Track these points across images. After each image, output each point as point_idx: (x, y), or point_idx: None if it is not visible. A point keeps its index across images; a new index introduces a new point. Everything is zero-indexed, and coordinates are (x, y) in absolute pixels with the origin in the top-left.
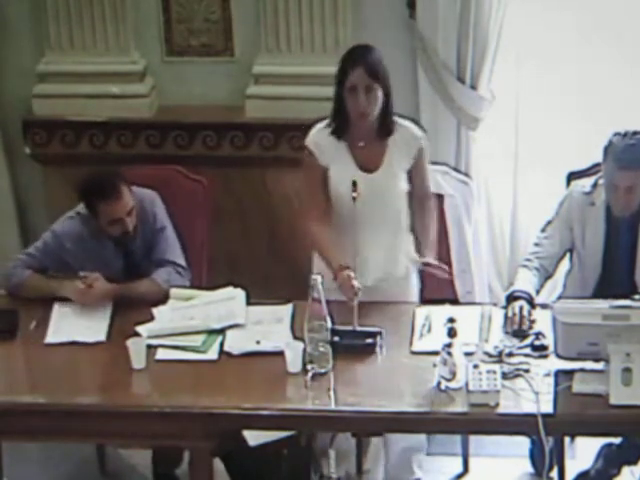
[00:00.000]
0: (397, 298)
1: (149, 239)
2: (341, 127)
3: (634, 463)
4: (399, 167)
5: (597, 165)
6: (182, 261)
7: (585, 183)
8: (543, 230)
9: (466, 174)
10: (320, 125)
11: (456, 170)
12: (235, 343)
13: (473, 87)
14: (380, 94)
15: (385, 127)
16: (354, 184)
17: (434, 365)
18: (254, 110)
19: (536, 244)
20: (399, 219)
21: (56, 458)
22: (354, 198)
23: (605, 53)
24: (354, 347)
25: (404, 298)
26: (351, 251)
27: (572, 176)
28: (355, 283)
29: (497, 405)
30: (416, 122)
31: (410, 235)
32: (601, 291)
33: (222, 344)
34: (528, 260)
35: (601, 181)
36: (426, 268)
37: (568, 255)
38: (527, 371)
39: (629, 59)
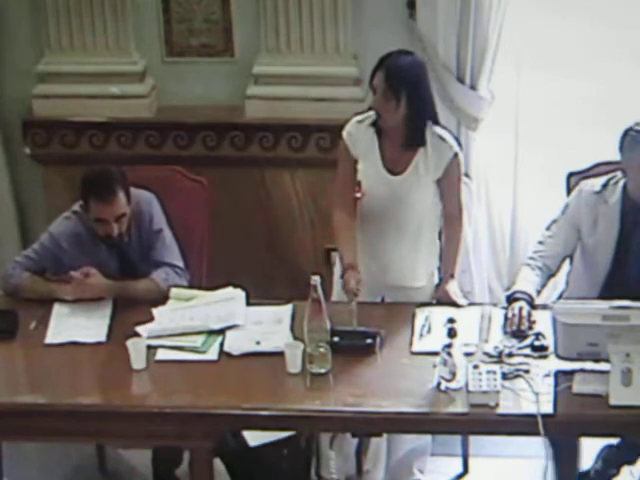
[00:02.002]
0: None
1: (145, 241)
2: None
3: (633, 463)
4: (426, 175)
5: (598, 165)
6: (180, 263)
7: (594, 183)
8: (548, 228)
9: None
10: (358, 117)
11: None
12: (235, 343)
13: (473, 87)
14: (400, 103)
15: (412, 138)
16: (358, 184)
17: (434, 365)
18: (254, 110)
19: (540, 242)
20: (420, 227)
21: (56, 458)
22: (358, 198)
23: (606, 53)
24: (354, 347)
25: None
26: (362, 246)
27: (572, 176)
28: (354, 285)
29: (497, 405)
30: (452, 132)
31: (435, 247)
32: (609, 290)
33: (222, 344)
34: (531, 259)
35: (613, 181)
36: (443, 296)
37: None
38: (527, 371)
39: (630, 58)
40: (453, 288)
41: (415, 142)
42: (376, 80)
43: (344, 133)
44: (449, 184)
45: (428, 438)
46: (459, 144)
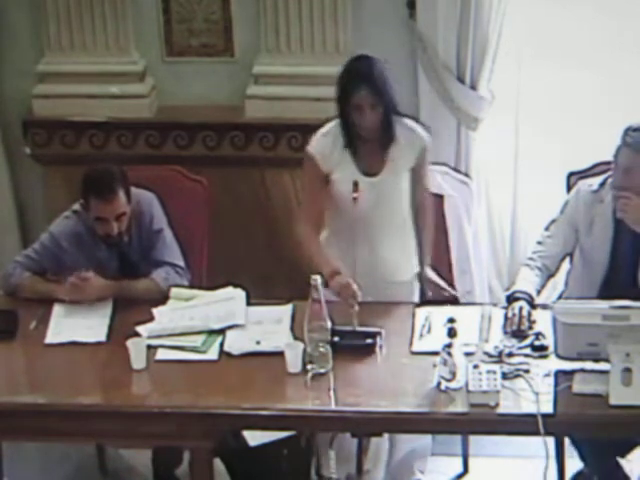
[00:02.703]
0: (401, 300)
1: (145, 241)
2: (349, 138)
3: (622, 456)
4: (402, 168)
5: (598, 165)
6: (181, 262)
7: (592, 182)
8: (547, 229)
9: (466, 174)
10: (323, 131)
11: (456, 170)
12: (235, 343)
13: (473, 87)
14: (382, 109)
15: (388, 135)
16: (355, 184)
17: (434, 365)
18: (254, 110)
19: (539, 243)
20: (404, 220)
21: (56, 458)
22: (354, 199)
23: (607, 52)
24: (354, 347)
25: (407, 300)
26: (350, 253)
27: (572, 176)
28: (355, 288)
29: (497, 405)
30: (420, 122)
31: (414, 239)
32: (607, 290)
33: (222, 344)
34: (531, 259)
35: (610, 180)
36: (428, 285)
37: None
38: (527, 371)
39: (632, 57)
40: (434, 276)
41: (390, 138)
42: (360, 99)
43: (311, 150)
44: (420, 172)
45: (428, 438)
46: (426, 128)
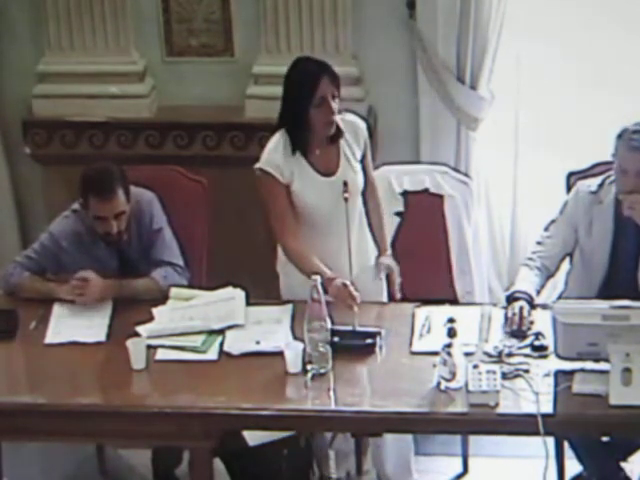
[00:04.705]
0: (371, 290)
1: (145, 240)
2: (299, 143)
3: (624, 460)
4: (355, 160)
5: (597, 165)
6: (180, 261)
7: (591, 183)
8: (546, 229)
9: (466, 174)
10: (270, 147)
11: (456, 170)
12: (235, 343)
13: (473, 87)
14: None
15: (338, 130)
16: (345, 184)
17: (434, 365)
18: (254, 110)
19: (539, 243)
20: (361, 211)
21: (56, 458)
22: (346, 199)
23: (608, 52)
24: (354, 347)
25: (377, 289)
26: (332, 254)
27: (571, 176)
28: (353, 291)
29: (497, 405)
30: (350, 110)
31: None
32: (606, 291)
33: (222, 344)
34: (530, 259)
35: (608, 180)
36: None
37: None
38: (527, 371)
39: (632, 56)
40: (393, 263)
41: (340, 132)
42: (323, 89)
43: (265, 167)
44: (365, 160)
45: (409, 438)
46: (362, 117)
